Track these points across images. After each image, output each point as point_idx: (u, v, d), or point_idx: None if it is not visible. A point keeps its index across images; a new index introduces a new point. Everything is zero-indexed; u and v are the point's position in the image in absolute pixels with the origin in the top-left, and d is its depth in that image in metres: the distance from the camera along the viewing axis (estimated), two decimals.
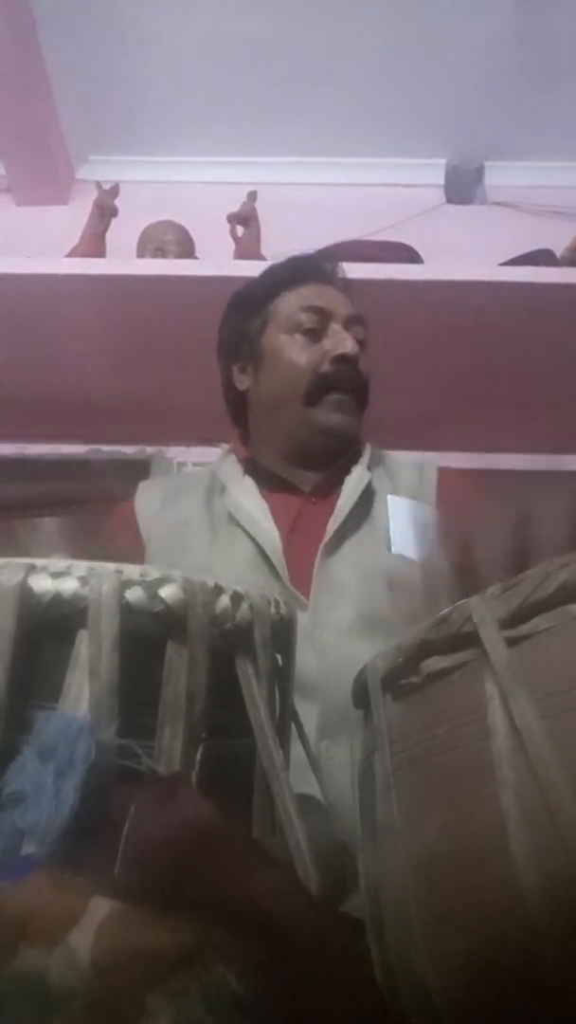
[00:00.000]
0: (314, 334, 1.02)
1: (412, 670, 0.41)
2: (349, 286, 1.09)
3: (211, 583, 0.44)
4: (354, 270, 1.16)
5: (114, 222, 1.90)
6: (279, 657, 0.51)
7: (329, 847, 0.58)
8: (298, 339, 1.02)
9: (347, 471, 1.00)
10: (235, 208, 1.94)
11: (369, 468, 1.01)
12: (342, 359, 1.00)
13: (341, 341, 1.01)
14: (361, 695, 0.47)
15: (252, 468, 1.04)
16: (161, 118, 2.13)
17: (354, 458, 1.03)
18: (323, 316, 1.02)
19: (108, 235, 1.88)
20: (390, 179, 2.23)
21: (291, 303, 1.04)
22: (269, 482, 1.02)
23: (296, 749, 0.56)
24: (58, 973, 0.29)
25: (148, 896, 0.32)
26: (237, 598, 0.46)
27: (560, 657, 0.35)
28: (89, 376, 1.79)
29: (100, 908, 0.32)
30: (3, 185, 2.20)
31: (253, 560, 0.91)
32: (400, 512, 0.97)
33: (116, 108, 2.11)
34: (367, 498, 0.98)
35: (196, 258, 1.88)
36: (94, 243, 1.85)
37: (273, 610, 0.49)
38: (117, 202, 1.91)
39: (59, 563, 0.41)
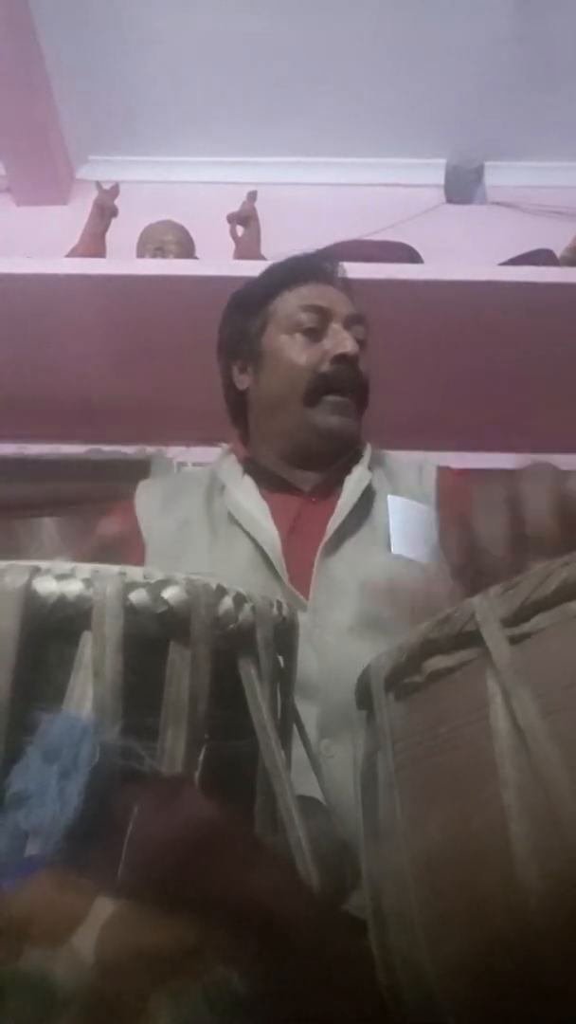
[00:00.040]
0: (314, 334, 1.02)
1: (415, 669, 0.41)
2: (349, 286, 1.09)
3: (214, 585, 0.44)
4: (354, 270, 1.15)
5: (114, 222, 1.90)
6: (281, 659, 0.51)
7: (330, 847, 0.58)
8: (298, 339, 1.02)
9: (347, 471, 1.00)
10: (235, 208, 1.94)
11: (370, 468, 1.01)
12: (342, 359, 1.00)
13: (341, 341, 1.00)
14: (364, 695, 0.47)
15: (252, 468, 1.04)
16: (161, 118, 2.13)
17: (355, 458, 1.03)
18: (323, 316, 1.02)
19: (108, 235, 1.88)
20: (390, 179, 2.23)
21: (291, 303, 1.04)
22: (269, 482, 1.02)
23: (297, 749, 0.56)
24: (62, 973, 0.29)
25: (151, 896, 0.32)
26: (240, 600, 0.46)
27: (561, 655, 0.35)
28: (89, 376, 1.79)
29: (104, 908, 0.32)
30: (3, 185, 2.20)
31: (253, 560, 0.91)
32: (400, 512, 0.97)
33: (116, 108, 2.11)
34: (367, 498, 0.97)
35: (196, 258, 1.88)
36: (94, 243, 1.84)
37: (275, 612, 0.49)
38: (117, 202, 1.91)
39: (63, 565, 0.41)
